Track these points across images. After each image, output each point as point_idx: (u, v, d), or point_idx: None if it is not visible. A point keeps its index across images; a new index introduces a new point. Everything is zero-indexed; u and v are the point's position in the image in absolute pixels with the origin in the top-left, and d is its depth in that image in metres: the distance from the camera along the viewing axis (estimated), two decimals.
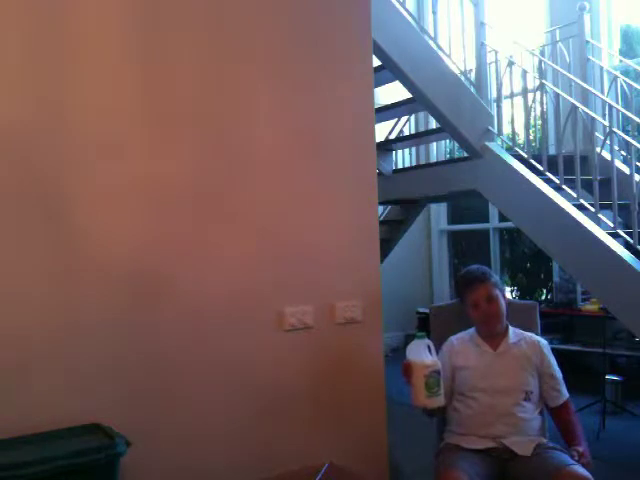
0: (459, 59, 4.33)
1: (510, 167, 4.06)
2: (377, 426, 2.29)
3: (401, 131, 6.06)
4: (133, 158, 1.88)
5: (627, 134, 3.89)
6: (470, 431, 2.28)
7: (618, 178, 3.65)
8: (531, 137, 4.66)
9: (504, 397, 2.28)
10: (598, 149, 3.89)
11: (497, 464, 2.21)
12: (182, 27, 1.97)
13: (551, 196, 3.81)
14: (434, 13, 4.26)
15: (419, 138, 5.51)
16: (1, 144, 1.70)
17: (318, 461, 1.98)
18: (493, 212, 6.64)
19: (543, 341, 2.42)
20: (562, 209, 3.73)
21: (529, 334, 2.43)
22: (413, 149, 6.12)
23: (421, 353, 2.10)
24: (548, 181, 3.96)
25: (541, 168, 4.03)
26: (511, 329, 2.42)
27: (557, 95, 4.19)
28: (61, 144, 1.78)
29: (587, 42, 4.61)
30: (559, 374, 2.38)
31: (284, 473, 1.99)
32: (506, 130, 4.74)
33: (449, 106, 4.08)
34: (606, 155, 3.92)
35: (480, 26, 4.32)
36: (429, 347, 2.12)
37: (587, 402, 4.24)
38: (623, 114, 3.99)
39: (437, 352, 2.29)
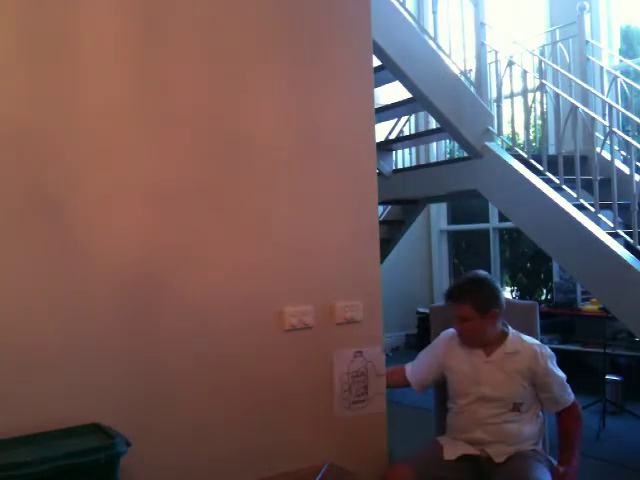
0: (459, 59, 4.33)
1: (510, 167, 4.06)
2: (377, 426, 2.29)
3: (401, 131, 6.06)
4: (133, 159, 1.88)
5: (627, 134, 3.89)
6: (454, 435, 2.30)
7: (618, 178, 3.66)
8: (531, 137, 4.66)
9: (488, 407, 2.23)
10: (598, 149, 3.89)
11: (476, 471, 2.21)
12: (182, 26, 1.97)
13: (551, 196, 3.81)
14: (434, 13, 4.26)
15: (419, 138, 5.52)
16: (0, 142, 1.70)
17: (318, 461, 1.98)
18: (493, 212, 6.65)
19: (545, 351, 2.27)
20: (562, 209, 3.73)
21: (530, 342, 2.29)
22: (413, 149, 6.13)
23: None
24: (548, 181, 3.96)
25: (541, 168, 4.03)
26: (510, 337, 2.29)
27: (557, 95, 4.19)
28: (59, 145, 1.78)
29: (587, 42, 4.62)
30: (558, 382, 2.25)
31: (284, 473, 1.99)
32: (506, 130, 4.74)
33: (449, 106, 4.09)
34: (606, 155, 3.93)
35: (480, 26, 4.32)
36: None
37: (587, 402, 4.23)
38: (623, 114, 4.00)
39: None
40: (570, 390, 2.29)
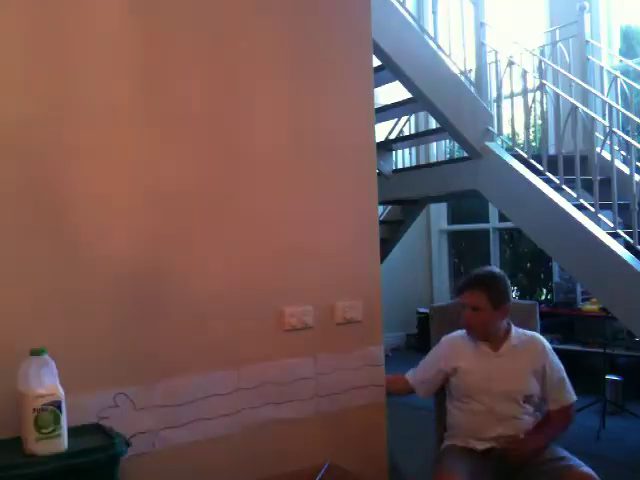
0: (459, 59, 4.33)
1: (510, 167, 4.06)
2: (377, 426, 2.29)
3: (401, 131, 6.06)
4: (134, 158, 1.88)
5: (627, 134, 3.89)
6: (471, 434, 2.29)
7: (618, 178, 3.66)
8: (531, 137, 4.66)
9: (504, 401, 2.26)
10: (598, 149, 3.89)
11: (498, 466, 2.21)
12: (182, 27, 1.97)
13: (551, 196, 3.81)
14: (434, 13, 4.26)
15: (419, 138, 5.52)
16: (1, 142, 1.70)
17: (318, 461, 1.98)
18: (493, 212, 6.64)
19: (546, 342, 2.39)
20: (562, 209, 3.73)
21: (531, 334, 2.40)
22: (413, 149, 6.13)
23: (34, 378, 1.50)
24: (548, 181, 3.96)
25: (541, 168, 4.03)
26: (514, 331, 2.38)
27: (557, 95, 4.19)
28: (61, 142, 1.78)
29: (587, 42, 4.62)
30: (563, 374, 2.35)
31: (284, 473, 1.99)
32: (506, 130, 4.74)
33: (449, 106, 4.09)
34: (606, 155, 3.93)
35: (480, 26, 4.32)
36: (47, 366, 1.53)
37: (587, 402, 4.23)
38: (623, 114, 4.00)
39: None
40: (571, 389, 2.36)
